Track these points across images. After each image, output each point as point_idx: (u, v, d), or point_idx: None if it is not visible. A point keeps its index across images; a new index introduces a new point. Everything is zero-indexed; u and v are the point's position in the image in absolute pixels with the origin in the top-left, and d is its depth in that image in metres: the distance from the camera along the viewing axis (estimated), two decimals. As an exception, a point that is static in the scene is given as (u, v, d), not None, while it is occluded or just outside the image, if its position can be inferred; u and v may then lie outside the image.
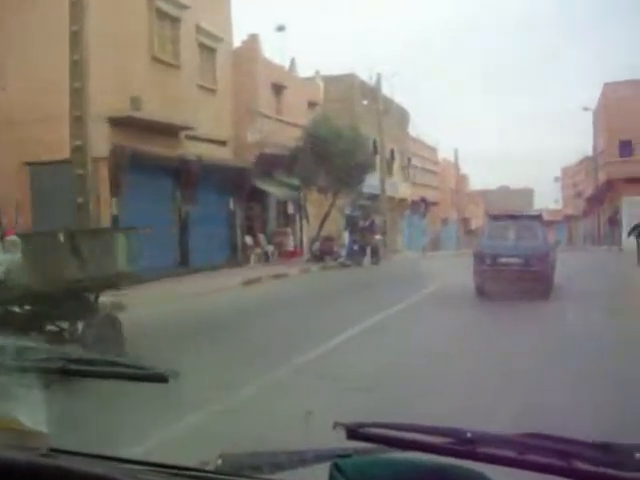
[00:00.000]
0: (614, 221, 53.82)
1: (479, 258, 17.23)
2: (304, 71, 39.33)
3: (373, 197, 43.81)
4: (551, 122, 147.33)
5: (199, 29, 26.18)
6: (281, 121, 33.14)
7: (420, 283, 20.82)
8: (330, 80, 43.22)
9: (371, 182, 43.98)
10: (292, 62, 36.41)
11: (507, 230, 17.54)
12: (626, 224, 47.14)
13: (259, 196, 31.86)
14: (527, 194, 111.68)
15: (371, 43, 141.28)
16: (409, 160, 55.56)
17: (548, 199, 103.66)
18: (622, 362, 8.78)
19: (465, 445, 1.40)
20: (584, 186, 76.84)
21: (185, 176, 24.06)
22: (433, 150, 68.96)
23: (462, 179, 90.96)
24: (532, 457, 1.34)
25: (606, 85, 55.84)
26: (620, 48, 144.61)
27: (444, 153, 76.00)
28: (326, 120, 32.22)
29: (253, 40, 32.29)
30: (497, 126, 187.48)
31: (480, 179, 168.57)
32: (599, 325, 12.15)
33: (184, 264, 24.48)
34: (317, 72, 39.86)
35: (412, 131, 58.95)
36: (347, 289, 20.58)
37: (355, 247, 32.42)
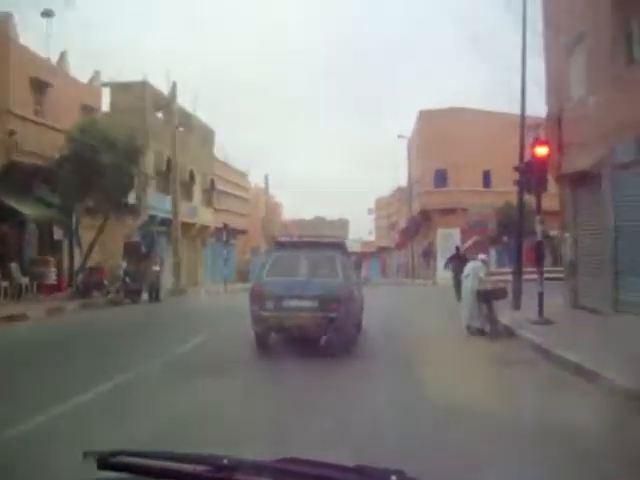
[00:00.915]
0: (428, 253, 51.95)
1: (258, 300, 12.23)
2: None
3: (166, 222, 38.20)
4: (367, 152, 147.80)
5: None
6: (42, 125, 26.76)
7: (195, 328, 16.65)
8: (120, 87, 37.48)
9: (164, 205, 38.50)
10: (62, 56, 30.04)
11: (297, 262, 12.67)
12: (440, 256, 45.07)
13: (11, 216, 25.22)
14: (343, 225, 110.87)
15: (189, 62, 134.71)
16: (213, 183, 50.25)
17: (363, 230, 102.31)
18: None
19: (222, 472, 1.48)
20: (398, 217, 75.67)
21: None
22: (243, 175, 64.36)
23: (275, 207, 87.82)
24: None
25: (421, 112, 53.81)
26: (436, 76, 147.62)
27: (257, 179, 72.10)
28: (93, 125, 26.29)
29: (5, 20, 25.81)
30: (313, 156, 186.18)
31: (296, 209, 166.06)
32: (418, 407, 7.71)
33: None
34: (96, 72, 33.69)
35: (220, 154, 54.12)
36: (81, 341, 14.81)
37: (128, 280, 26.37)
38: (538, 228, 15.52)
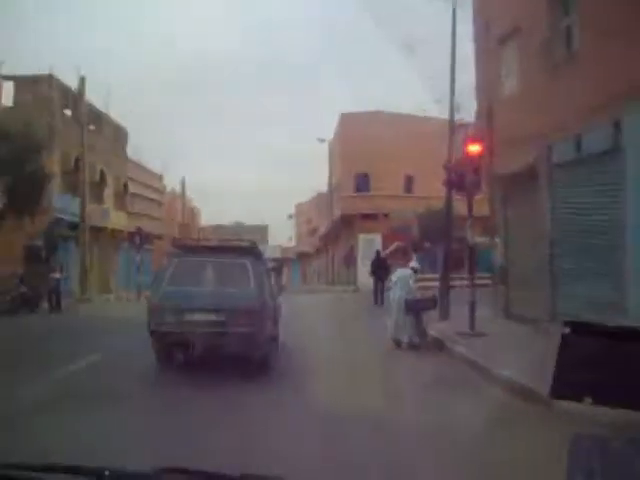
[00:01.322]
0: (350, 259, 50.73)
1: (156, 313, 10.55)
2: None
3: (75, 226, 35.73)
4: (288, 156, 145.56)
5: None
6: None
7: (90, 343, 14.98)
8: (24, 81, 34.85)
9: (72, 207, 36.00)
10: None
11: (202, 269, 11.04)
12: (362, 262, 43.99)
13: None
14: (262, 230, 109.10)
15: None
16: (126, 185, 47.81)
17: (283, 236, 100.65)
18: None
19: None
20: (319, 223, 74.45)
21: None
22: (158, 178, 61.89)
23: (193, 212, 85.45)
24: None
25: (343, 115, 52.68)
26: (357, 78, 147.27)
27: (174, 183, 69.69)
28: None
29: None
30: (233, 161, 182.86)
31: (215, 214, 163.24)
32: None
33: None
34: (-5, 62, 31.10)
35: (134, 155, 51.62)
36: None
37: (23, 289, 24.01)
38: (469, 232, 14.32)
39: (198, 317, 10.49)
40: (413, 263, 14.55)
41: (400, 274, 14.15)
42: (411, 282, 13.83)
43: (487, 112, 17.28)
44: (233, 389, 9.31)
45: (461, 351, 12.16)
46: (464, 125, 18.35)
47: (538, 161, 14.50)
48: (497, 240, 17.52)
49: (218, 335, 10.37)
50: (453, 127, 17.37)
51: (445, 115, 18.96)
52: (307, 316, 21.20)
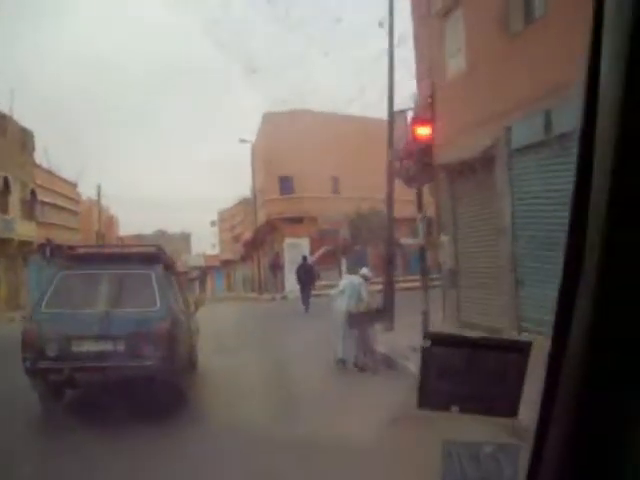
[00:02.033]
0: (276, 265, 48.44)
1: (31, 344, 8.08)
2: None
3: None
4: (210, 161, 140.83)
5: None
6: None
7: None
8: None
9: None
10: None
11: (93, 285, 8.61)
12: (289, 268, 41.90)
13: None
14: (185, 238, 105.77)
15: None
16: (34, 193, 44.34)
17: (207, 244, 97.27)
18: None
19: None
20: (243, 229, 71.92)
21: None
22: (72, 186, 58.23)
23: (110, 221, 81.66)
24: None
25: (265, 115, 50.43)
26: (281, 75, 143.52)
27: (90, 192, 65.94)
28: None
29: None
30: (153, 168, 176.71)
31: (135, 223, 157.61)
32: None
33: None
34: None
35: (44, 162, 48.10)
36: None
37: None
38: (420, 229, 12.27)
39: (89, 347, 8.08)
40: (364, 270, 12.36)
41: (348, 281, 11.98)
42: (363, 291, 11.69)
43: (428, 96, 15.30)
44: (139, 438, 7.00)
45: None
46: (402, 112, 16.33)
47: (494, 146, 12.57)
48: (443, 238, 15.52)
49: (116, 370, 7.98)
50: (392, 113, 15.32)
51: (367, 113, 16.98)
52: (231, 330, 18.79)
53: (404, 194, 34.31)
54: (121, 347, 8.06)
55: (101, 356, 8.03)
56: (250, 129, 73.86)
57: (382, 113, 17.68)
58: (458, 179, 14.66)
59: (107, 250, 10.43)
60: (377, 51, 37.22)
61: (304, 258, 32.36)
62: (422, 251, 12.76)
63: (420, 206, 12.20)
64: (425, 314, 12.05)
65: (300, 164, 45.91)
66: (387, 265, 16.18)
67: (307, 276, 29.47)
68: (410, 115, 15.98)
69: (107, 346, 8.08)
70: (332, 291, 12.24)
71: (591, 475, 1.26)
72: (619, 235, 1.11)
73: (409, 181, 13.00)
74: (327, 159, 44.11)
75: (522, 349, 1.74)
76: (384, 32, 15.72)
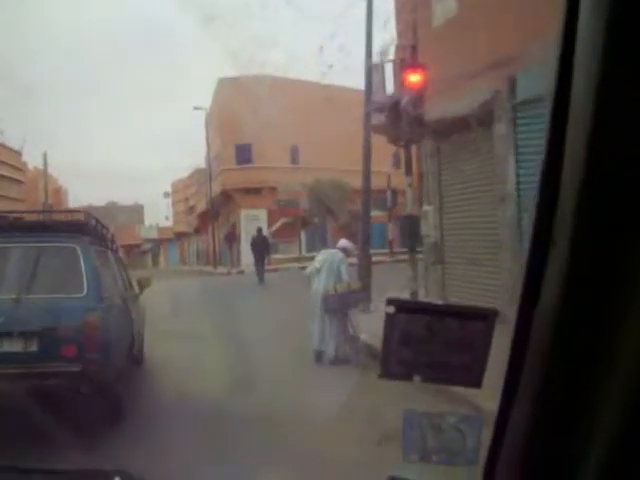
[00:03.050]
0: (232, 237, 46.25)
1: None
2: None
3: None
4: (162, 130, 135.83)
5: None
6: None
7: None
8: None
9: None
10: None
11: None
12: (245, 241, 39.98)
13: None
14: (137, 210, 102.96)
15: None
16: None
17: (160, 215, 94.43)
18: None
19: None
20: (197, 200, 69.59)
21: None
22: (16, 154, 55.15)
23: (58, 192, 78.47)
24: None
25: (220, 80, 48.00)
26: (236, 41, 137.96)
27: (37, 161, 62.65)
28: None
29: None
30: (104, 137, 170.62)
31: (85, 195, 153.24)
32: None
33: None
34: None
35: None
36: None
37: None
38: (409, 195, 10.35)
39: (-11, 347, 6.04)
40: (343, 242, 10.39)
41: (325, 256, 10.01)
42: (343, 269, 9.76)
43: (410, 43, 13.36)
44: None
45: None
46: (379, 64, 14.33)
47: (495, 99, 10.70)
48: (426, 208, 13.63)
49: (25, 378, 5.95)
50: (370, 61, 13.31)
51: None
52: (184, 310, 16.76)
53: (359, 164, 32.83)
54: (33, 347, 6.05)
55: (6, 359, 6.00)
56: (205, 96, 71.13)
57: (350, 73, 15.73)
58: (445, 139, 12.78)
59: (16, 216, 8.17)
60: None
61: (259, 230, 32.21)
62: (411, 222, 10.89)
63: (409, 168, 10.32)
64: (414, 294, 10.22)
65: (258, 132, 43.67)
66: (363, 238, 14.25)
67: (261, 248, 29.76)
68: (389, 67, 14.04)
69: (14, 346, 6.06)
70: (307, 269, 10.23)
71: (555, 448, 1.25)
72: (591, 204, 1.05)
73: (395, 138, 11.06)
74: (286, 127, 42.04)
75: (487, 317, 1.71)
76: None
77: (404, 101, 9.92)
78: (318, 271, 9.77)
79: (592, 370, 1.13)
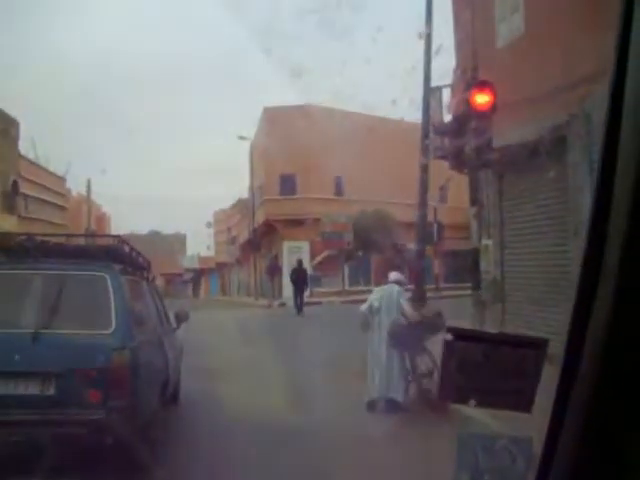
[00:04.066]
0: (274, 269, 45.52)
1: None
2: None
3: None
4: (207, 159, 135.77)
5: None
6: None
7: None
8: None
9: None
10: None
11: (17, 293, 5.83)
12: (287, 273, 39.24)
13: None
14: (180, 239, 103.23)
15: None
16: (16, 185, 41.48)
17: (201, 245, 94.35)
18: None
19: None
20: (239, 230, 69.32)
21: None
22: (60, 180, 55.30)
23: (102, 218, 78.91)
24: None
25: (266, 110, 47.68)
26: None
27: (80, 189, 62.91)
28: None
29: None
30: (148, 165, 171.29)
31: (129, 222, 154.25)
32: None
33: None
34: None
35: (30, 153, 45.33)
36: None
37: None
38: (474, 227, 9.42)
39: (4, 391, 5.26)
40: (395, 274, 9.41)
41: (382, 293, 9.04)
42: (403, 302, 8.80)
43: (471, 65, 12.49)
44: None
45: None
46: (438, 88, 13.50)
47: (569, 122, 9.76)
48: (486, 243, 12.62)
49: (43, 426, 5.15)
50: (429, 85, 12.46)
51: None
52: (223, 344, 15.89)
53: (404, 197, 31.94)
54: (51, 390, 5.26)
55: (21, 404, 5.22)
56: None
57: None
58: (508, 167, 11.83)
59: (42, 239, 7.38)
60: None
61: (299, 261, 32.92)
62: (475, 256, 9.93)
63: (473, 198, 9.41)
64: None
65: (303, 162, 43.20)
66: (418, 274, 13.29)
67: (301, 279, 30.41)
68: (447, 91, 13.25)
69: (30, 388, 5.28)
70: (363, 306, 9.25)
71: (602, 472, 1.24)
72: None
73: (458, 164, 10.17)
74: (331, 157, 41.40)
75: (539, 345, 1.77)
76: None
77: (472, 124, 9.03)
78: (378, 310, 8.80)
79: (638, 398, 1.10)
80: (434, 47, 13.73)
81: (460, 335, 1.80)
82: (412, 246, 34.30)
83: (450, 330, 1.79)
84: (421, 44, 13.77)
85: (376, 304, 8.85)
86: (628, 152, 1.08)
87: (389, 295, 8.88)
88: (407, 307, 8.84)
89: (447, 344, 1.78)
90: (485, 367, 1.75)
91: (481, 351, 1.76)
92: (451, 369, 1.80)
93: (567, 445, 1.33)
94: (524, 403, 1.76)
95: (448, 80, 13.42)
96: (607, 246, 1.13)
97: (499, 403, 1.81)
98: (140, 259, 8.02)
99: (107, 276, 5.98)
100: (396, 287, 8.97)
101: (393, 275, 9.39)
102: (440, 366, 1.82)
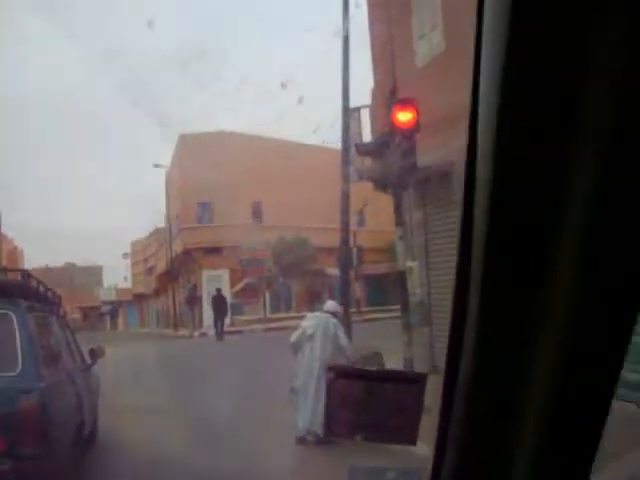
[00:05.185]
0: (193, 299, 44.60)
1: None
2: None
3: None
4: (122, 189, 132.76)
5: None
6: None
7: None
8: None
9: None
10: None
11: None
12: (207, 302, 38.61)
13: None
14: (96, 271, 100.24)
15: None
16: None
17: (119, 277, 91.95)
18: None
19: None
20: (156, 261, 67.92)
21: None
22: (-34, 214, 53.11)
23: (13, 253, 76.19)
24: None
25: (181, 137, 46.98)
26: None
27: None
28: None
29: None
30: (60, 197, 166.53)
31: (41, 256, 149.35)
32: None
33: None
34: None
35: None
36: None
37: None
38: (400, 249, 9.17)
39: None
40: (331, 304, 9.01)
41: (317, 321, 8.57)
42: (340, 334, 8.40)
43: (389, 86, 12.40)
44: None
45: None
46: (356, 109, 13.31)
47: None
48: (411, 264, 12.42)
49: None
50: (347, 106, 12.25)
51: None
52: (142, 380, 15.16)
53: (324, 221, 31.97)
54: None
55: None
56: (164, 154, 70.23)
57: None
58: (432, 187, 11.69)
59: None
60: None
61: (218, 290, 34.63)
62: (402, 279, 9.67)
63: (399, 218, 9.17)
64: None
65: (220, 190, 42.62)
66: (344, 298, 12.99)
67: (220, 307, 32.05)
68: (364, 112, 13.07)
69: None
70: (294, 335, 8.75)
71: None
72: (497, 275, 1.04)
73: (383, 184, 9.93)
74: (247, 184, 41.03)
75: (417, 381, 1.82)
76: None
77: (395, 142, 8.80)
78: (310, 338, 8.36)
79: (506, 421, 1.12)
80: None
81: (342, 373, 1.86)
82: (332, 271, 34.30)
83: (332, 369, 1.85)
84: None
85: (309, 332, 8.41)
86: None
87: (325, 326, 8.42)
88: (345, 344, 8.45)
89: (329, 382, 1.81)
90: (369, 403, 1.79)
91: (363, 388, 1.81)
92: (334, 406, 1.85)
93: (450, 473, 1.32)
94: (409, 436, 1.76)
95: (366, 100, 13.23)
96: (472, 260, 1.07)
97: (385, 437, 1.85)
98: (49, 294, 7.43)
99: (12, 314, 5.41)
100: (332, 319, 8.55)
101: (329, 305, 9.00)
102: (324, 404, 1.81)
